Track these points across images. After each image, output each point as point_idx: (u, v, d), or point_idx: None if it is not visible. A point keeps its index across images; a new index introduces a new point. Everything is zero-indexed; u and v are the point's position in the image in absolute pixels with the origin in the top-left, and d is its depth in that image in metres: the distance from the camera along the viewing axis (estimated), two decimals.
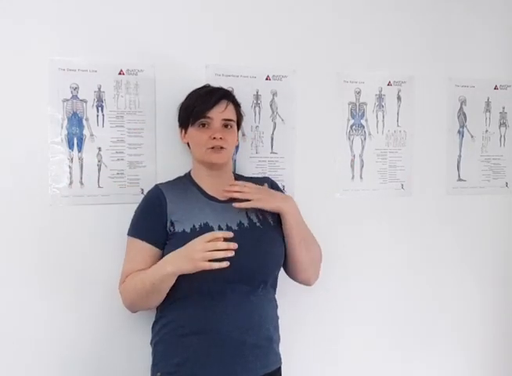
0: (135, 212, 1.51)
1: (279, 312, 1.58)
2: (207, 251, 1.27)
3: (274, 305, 1.55)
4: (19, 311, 1.58)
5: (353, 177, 1.90)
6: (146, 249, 1.45)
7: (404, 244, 1.97)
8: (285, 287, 1.64)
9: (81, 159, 1.61)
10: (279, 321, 1.57)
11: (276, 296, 1.57)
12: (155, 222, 1.45)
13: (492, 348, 2.13)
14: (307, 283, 1.63)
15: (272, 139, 1.81)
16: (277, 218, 1.55)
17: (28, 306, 1.59)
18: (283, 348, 1.56)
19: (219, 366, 1.40)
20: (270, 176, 1.75)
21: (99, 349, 1.65)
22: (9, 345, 1.58)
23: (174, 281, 1.37)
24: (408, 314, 1.99)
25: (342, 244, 1.87)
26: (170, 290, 1.44)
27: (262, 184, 1.60)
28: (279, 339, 1.55)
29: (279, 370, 1.54)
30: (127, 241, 1.50)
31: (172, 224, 1.45)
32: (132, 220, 1.51)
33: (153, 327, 1.52)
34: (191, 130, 1.52)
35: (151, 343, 1.52)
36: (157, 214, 1.45)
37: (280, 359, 1.54)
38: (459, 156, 2.04)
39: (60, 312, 1.61)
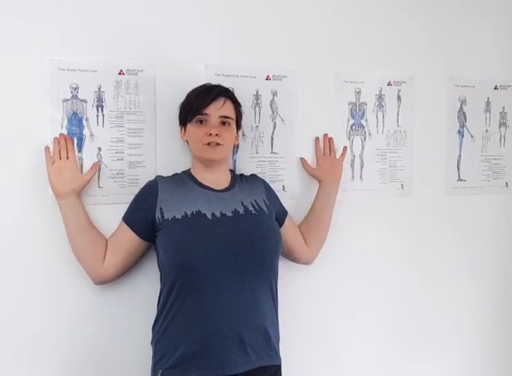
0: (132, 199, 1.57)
1: (279, 311, 1.58)
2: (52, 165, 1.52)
3: (274, 301, 1.55)
4: (19, 311, 1.58)
5: (353, 177, 1.90)
6: (126, 233, 1.52)
7: (404, 244, 1.97)
8: (285, 287, 1.65)
9: (80, 159, 1.61)
10: (279, 321, 1.57)
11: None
12: (141, 211, 1.51)
13: (492, 348, 2.13)
14: (309, 261, 1.78)
15: (272, 139, 1.81)
16: (271, 208, 1.58)
17: (27, 306, 1.59)
18: (283, 348, 1.56)
19: (220, 358, 1.41)
20: (270, 176, 1.75)
21: (98, 350, 1.65)
22: (9, 344, 1.58)
23: (67, 208, 1.51)
24: (408, 314, 1.99)
25: (342, 244, 1.87)
26: (169, 288, 1.45)
27: (255, 182, 1.65)
28: (278, 336, 1.55)
29: (279, 369, 1.54)
30: None
31: (161, 212, 1.47)
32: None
33: (153, 327, 1.53)
34: (189, 127, 1.54)
35: (151, 343, 1.52)
36: (146, 203, 1.51)
37: (280, 357, 1.54)
38: (459, 156, 2.04)
39: (60, 312, 1.61)
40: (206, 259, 1.40)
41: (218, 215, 1.46)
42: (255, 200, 1.56)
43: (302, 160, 1.80)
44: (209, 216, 1.46)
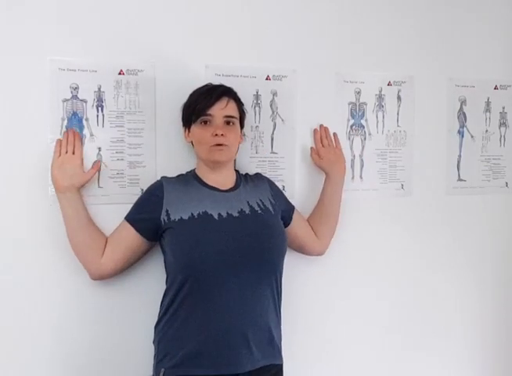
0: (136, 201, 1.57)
1: (282, 311, 1.58)
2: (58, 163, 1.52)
3: (277, 301, 1.55)
4: (19, 310, 1.58)
5: (353, 177, 1.90)
6: (127, 231, 1.51)
7: (404, 244, 1.97)
8: (287, 287, 1.65)
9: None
10: (282, 320, 1.57)
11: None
12: (146, 212, 1.50)
13: (491, 348, 2.13)
14: (322, 252, 1.79)
15: (272, 139, 1.81)
16: (277, 206, 1.58)
17: (28, 305, 1.59)
18: (285, 348, 1.57)
19: (225, 357, 1.41)
20: (270, 176, 1.75)
21: (100, 350, 1.65)
22: (9, 344, 1.58)
23: (65, 202, 1.51)
24: (407, 314, 1.99)
25: (342, 244, 1.87)
26: (176, 288, 1.45)
27: (259, 180, 1.65)
28: (280, 336, 1.55)
29: (281, 368, 1.54)
30: None
31: (168, 214, 1.46)
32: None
33: (156, 327, 1.53)
34: (193, 128, 1.54)
35: (154, 342, 1.52)
36: (151, 205, 1.50)
37: (282, 356, 1.55)
38: (459, 156, 2.04)
39: (60, 312, 1.62)
40: (213, 260, 1.40)
41: (224, 215, 1.46)
42: (260, 200, 1.56)
43: (312, 149, 1.79)
44: (216, 217, 1.45)
